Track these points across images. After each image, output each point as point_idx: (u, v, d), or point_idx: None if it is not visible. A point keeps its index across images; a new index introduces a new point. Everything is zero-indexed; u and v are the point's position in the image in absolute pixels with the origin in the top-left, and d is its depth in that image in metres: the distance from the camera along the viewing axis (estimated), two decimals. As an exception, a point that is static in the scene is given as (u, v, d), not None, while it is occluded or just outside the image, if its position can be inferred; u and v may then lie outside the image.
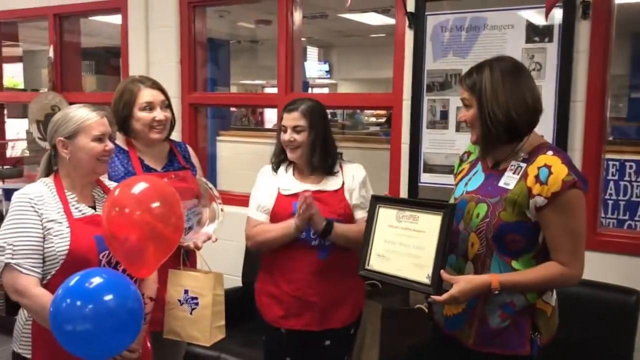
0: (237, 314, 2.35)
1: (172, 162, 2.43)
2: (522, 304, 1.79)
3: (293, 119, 2.29)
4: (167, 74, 3.80)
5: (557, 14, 2.66)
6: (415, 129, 3.05)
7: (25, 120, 4.89)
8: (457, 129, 2.94)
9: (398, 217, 1.90)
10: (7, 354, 3.76)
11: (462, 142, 2.89)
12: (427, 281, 1.77)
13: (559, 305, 1.90)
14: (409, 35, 3.06)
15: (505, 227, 1.75)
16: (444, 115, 2.98)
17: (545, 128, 1.88)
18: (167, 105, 2.38)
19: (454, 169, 2.14)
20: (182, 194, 2.12)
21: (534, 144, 1.81)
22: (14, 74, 6.98)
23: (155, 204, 1.83)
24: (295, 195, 2.27)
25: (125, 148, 2.37)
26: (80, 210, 1.92)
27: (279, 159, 2.41)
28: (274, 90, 3.80)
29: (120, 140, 2.39)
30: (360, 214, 2.31)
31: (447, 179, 2.93)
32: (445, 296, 1.72)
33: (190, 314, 2.20)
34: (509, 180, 1.78)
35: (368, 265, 1.94)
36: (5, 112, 5.10)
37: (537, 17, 2.74)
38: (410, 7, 3.01)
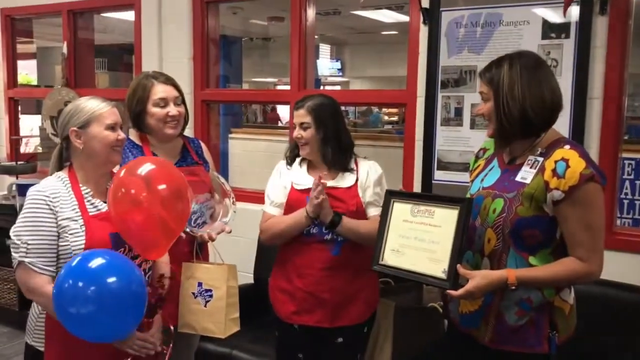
0: (249, 311, 2.34)
1: (185, 158, 2.43)
2: (539, 301, 1.77)
3: (299, 115, 2.30)
4: (179, 70, 3.81)
5: (574, 10, 2.63)
6: (429, 126, 3.03)
7: (39, 117, 4.92)
8: (472, 126, 2.92)
9: (413, 212, 1.89)
10: (21, 348, 3.78)
11: (477, 139, 2.86)
12: (443, 276, 1.76)
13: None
14: (423, 31, 3.04)
15: (522, 222, 1.73)
16: (459, 112, 2.95)
17: (561, 125, 1.86)
18: (180, 101, 2.38)
19: (468, 166, 2.12)
20: (195, 188, 2.13)
21: (551, 139, 1.79)
22: (27, 71, 7.01)
23: (162, 187, 1.82)
24: (309, 190, 2.27)
25: (139, 143, 2.36)
26: (95, 206, 1.91)
27: (293, 154, 2.40)
28: (287, 87, 3.79)
29: (133, 135, 2.39)
30: (373, 212, 2.29)
31: (461, 177, 2.91)
32: (461, 291, 1.71)
33: (205, 306, 2.20)
34: (525, 175, 1.76)
35: (382, 260, 1.93)
36: (19, 108, 5.12)
37: (553, 13, 2.70)
38: (425, 3, 2.99)
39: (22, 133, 5.14)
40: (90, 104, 1.93)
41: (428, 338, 2.37)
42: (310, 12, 3.59)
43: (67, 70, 4.52)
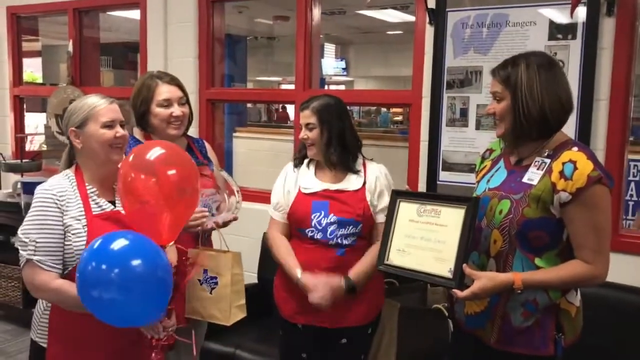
0: (253, 310, 2.34)
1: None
2: (545, 302, 1.76)
3: (305, 116, 2.30)
4: (185, 69, 3.81)
5: (581, 11, 2.62)
6: (434, 126, 3.02)
7: (44, 114, 4.93)
8: (477, 127, 2.91)
9: (419, 212, 1.88)
10: (25, 346, 3.81)
11: (482, 140, 2.86)
12: (449, 275, 1.75)
13: (581, 307, 1.86)
14: (429, 32, 3.03)
15: (528, 224, 1.73)
16: (464, 112, 2.94)
17: (567, 127, 1.85)
18: (184, 101, 2.38)
19: (474, 167, 2.11)
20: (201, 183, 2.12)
21: (559, 140, 1.78)
22: (32, 69, 7.03)
23: (172, 172, 1.79)
24: (315, 194, 2.27)
25: (144, 142, 2.37)
26: (99, 206, 1.91)
27: (302, 154, 2.40)
28: (291, 86, 3.79)
29: (138, 134, 2.40)
30: (382, 219, 2.28)
31: (466, 178, 2.91)
32: (466, 292, 1.70)
33: (210, 293, 2.21)
34: (532, 176, 1.75)
35: (387, 260, 1.92)
36: (25, 106, 5.13)
37: (560, 14, 2.69)
38: (431, 3, 2.99)
39: (27, 131, 5.15)
40: (88, 102, 1.92)
41: (432, 339, 2.36)
42: (316, 12, 3.59)
43: (72, 68, 4.53)
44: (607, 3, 2.59)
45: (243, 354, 2.97)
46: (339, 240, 2.23)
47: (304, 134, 2.30)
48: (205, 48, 3.88)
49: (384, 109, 14.90)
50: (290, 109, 13.96)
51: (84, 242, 1.83)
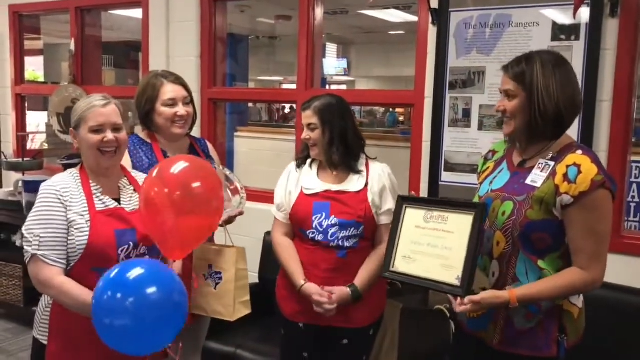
0: (254, 310, 2.34)
1: None
2: (548, 304, 1.76)
3: (306, 117, 2.29)
4: (187, 68, 3.81)
5: (584, 12, 2.61)
6: (436, 127, 3.02)
7: (45, 113, 4.93)
8: (480, 128, 2.90)
9: (426, 218, 1.86)
10: (26, 344, 3.82)
11: (485, 140, 2.86)
12: (456, 282, 1.73)
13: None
14: (432, 32, 3.03)
15: (531, 226, 1.72)
16: (467, 113, 2.94)
17: (570, 128, 1.85)
18: (189, 100, 2.38)
19: (477, 168, 2.10)
20: None
21: (563, 143, 1.78)
22: (34, 67, 7.03)
23: (196, 184, 1.77)
24: (317, 195, 2.27)
25: (149, 141, 2.37)
26: (103, 202, 1.91)
27: (304, 155, 2.39)
28: (292, 86, 3.79)
29: (142, 133, 2.40)
30: (385, 220, 2.28)
31: (469, 178, 2.90)
32: (467, 307, 1.70)
33: (215, 289, 2.22)
34: (536, 178, 1.75)
35: (393, 267, 1.90)
36: (26, 104, 5.13)
37: (563, 15, 2.69)
38: (434, 3, 2.98)
39: (28, 129, 5.15)
40: (83, 104, 1.92)
41: (434, 341, 2.36)
42: (318, 11, 3.59)
43: (74, 67, 4.53)
44: (611, 4, 2.58)
45: (244, 354, 2.96)
46: (340, 242, 2.23)
47: (306, 134, 2.29)
48: (207, 47, 3.88)
49: (391, 109, 14.88)
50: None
51: (86, 238, 1.83)
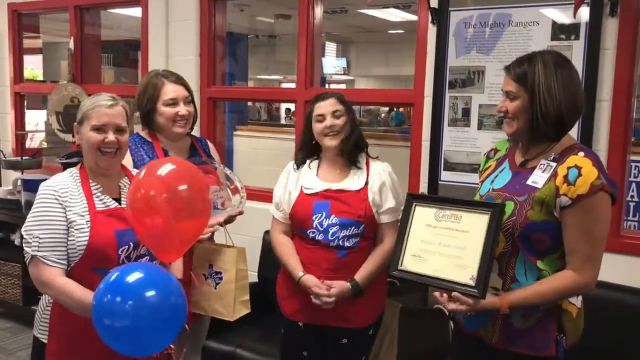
0: (253, 309, 2.34)
1: (194, 155, 2.45)
2: (547, 304, 1.75)
3: (331, 104, 2.30)
4: (186, 67, 3.80)
5: (584, 11, 2.61)
6: (436, 126, 3.01)
7: (44, 112, 4.92)
8: (479, 127, 2.90)
9: (437, 217, 1.84)
10: (25, 343, 3.82)
11: (484, 140, 2.86)
12: (471, 282, 1.71)
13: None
14: (431, 31, 3.03)
15: (532, 226, 1.72)
16: (466, 112, 2.93)
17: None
18: (190, 100, 2.38)
19: (476, 167, 2.11)
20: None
21: (565, 144, 1.78)
22: (33, 66, 7.01)
23: (183, 187, 1.76)
24: (317, 194, 2.27)
25: (150, 140, 2.37)
26: (103, 202, 1.91)
27: (302, 155, 2.39)
28: (291, 85, 3.79)
29: (143, 132, 2.40)
30: (385, 219, 2.28)
31: (468, 178, 2.90)
32: (463, 308, 1.72)
33: (215, 288, 2.22)
34: (537, 179, 1.74)
35: (401, 266, 1.87)
36: (25, 103, 5.13)
37: (563, 14, 2.69)
38: (434, 2, 2.97)
39: (27, 128, 5.14)
40: (89, 101, 1.92)
41: (434, 339, 2.36)
42: (318, 10, 3.58)
43: (73, 65, 4.52)
44: (610, 3, 2.58)
45: (244, 353, 2.96)
46: (340, 242, 2.23)
47: (331, 122, 2.27)
48: (206, 46, 3.88)
49: (399, 109, 14.84)
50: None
51: (87, 238, 1.83)
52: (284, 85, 15.66)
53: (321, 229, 2.23)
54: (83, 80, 4.54)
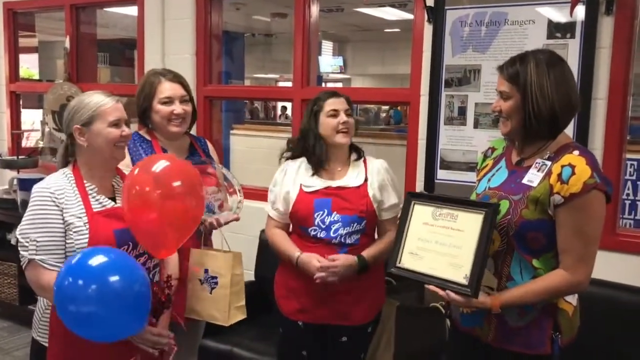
0: (250, 309, 2.34)
1: (193, 155, 2.44)
2: (542, 302, 1.75)
3: (343, 103, 2.33)
4: (182, 66, 3.78)
5: (580, 10, 2.62)
6: (432, 125, 3.02)
7: (40, 111, 4.91)
8: (475, 126, 2.90)
9: (434, 215, 1.84)
10: (22, 342, 3.81)
11: (480, 138, 2.86)
12: (464, 281, 1.71)
13: (576, 306, 1.86)
14: (427, 30, 3.03)
15: (526, 225, 1.72)
16: (462, 111, 2.94)
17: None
18: (186, 99, 2.37)
19: (472, 166, 2.11)
20: (204, 184, 2.12)
21: (561, 142, 1.78)
22: (29, 65, 6.99)
23: (177, 183, 1.78)
24: (317, 192, 2.27)
25: (148, 138, 2.37)
26: (100, 203, 1.90)
27: (299, 149, 2.39)
28: (288, 84, 3.79)
29: (141, 130, 2.40)
30: (386, 216, 2.30)
31: (464, 176, 2.90)
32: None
33: (210, 293, 2.22)
34: (532, 178, 1.75)
35: (399, 263, 1.88)
36: (21, 102, 5.11)
37: (558, 13, 2.69)
38: (430, 1, 2.98)
39: (23, 127, 5.13)
40: (94, 100, 1.90)
41: (430, 338, 2.36)
42: (314, 9, 3.58)
43: (69, 64, 4.51)
44: (606, 2, 2.58)
45: (240, 352, 2.96)
46: (342, 239, 2.23)
47: (345, 118, 2.30)
48: (202, 45, 3.87)
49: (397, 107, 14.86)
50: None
51: (87, 240, 1.82)
52: (281, 83, 15.65)
53: (323, 227, 2.23)
54: (79, 79, 4.52)
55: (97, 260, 1.67)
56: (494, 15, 2.84)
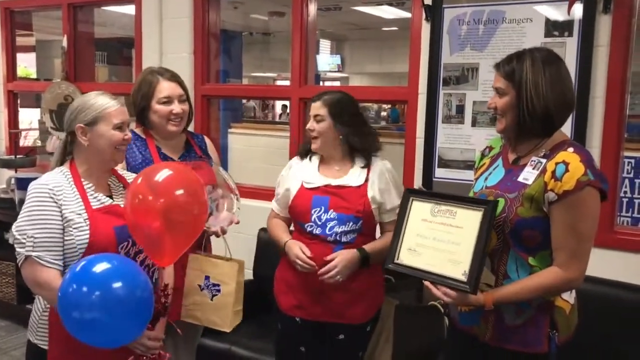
0: (248, 307, 2.34)
1: (188, 152, 2.43)
2: (539, 300, 1.76)
3: (315, 108, 2.30)
4: (180, 65, 3.78)
5: (578, 8, 2.62)
6: (430, 123, 3.01)
7: (38, 110, 4.90)
8: (473, 124, 2.90)
9: (433, 212, 1.84)
10: (19, 342, 3.80)
11: (478, 137, 2.86)
12: (463, 278, 1.71)
13: (574, 303, 1.87)
14: (425, 28, 3.03)
15: (522, 223, 1.73)
16: (460, 109, 2.94)
17: (563, 125, 1.88)
18: (184, 98, 2.37)
19: (470, 164, 2.11)
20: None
21: (556, 140, 1.78)
22: (26, 64, 6.99)
23: (179, 192, 1.78)
24: (317, 189, 2.28)
25: (143, 136, 2.36)
26: (98, 200, 1.90)
27: (306, 148, 2.40)
28: (286, 83, 3.79)
29: (137, 129, 2.39)
30: (387, 218, 2.30)
31: (462, 175, 2.90)
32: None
33: (211, 299, 2.21)
34: (528, 176, 1.75)
35: (397, 259, 1.88)
36: (18, 101, 5.11)
37: (556, 11, 2.69)
38: (427, -1, 2.98)
39: (20, 126, 5.12)
40: (100, 101, 1.90)
41: (429, 336, 2.37)
42: (312, 8, 3.58)
43: (66, 63, 4.50)
44: (604, 0, 2.58)
45: (239, 350, 2.97)
46: (338, 237, 2.23)
47: (310, 125, 2.30)
48: (200, 44, 3.87)
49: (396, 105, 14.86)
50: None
51: (87, 236, 1.81)
52: (279, 82, 15.64)
53: (319, 223, 2.24)
54: (77, 78, 4.52)
55: (101, 267, 1.66)
56: (492, 13, 2.84)
